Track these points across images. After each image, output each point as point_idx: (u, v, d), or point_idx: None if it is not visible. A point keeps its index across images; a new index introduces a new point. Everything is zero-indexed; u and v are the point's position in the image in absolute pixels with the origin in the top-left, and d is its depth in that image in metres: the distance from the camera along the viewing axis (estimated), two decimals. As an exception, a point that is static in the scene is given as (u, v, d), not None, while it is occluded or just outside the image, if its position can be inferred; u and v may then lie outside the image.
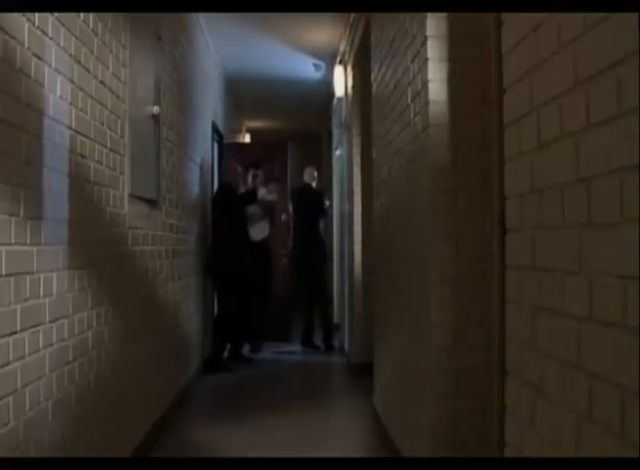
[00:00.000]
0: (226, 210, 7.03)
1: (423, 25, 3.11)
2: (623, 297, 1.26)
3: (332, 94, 8.20)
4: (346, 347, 7.45)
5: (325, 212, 8.42)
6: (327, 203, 8.48)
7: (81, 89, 2.94)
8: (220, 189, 7.39)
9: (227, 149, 8.72)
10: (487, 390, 2.84)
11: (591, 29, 1.41)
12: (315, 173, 8.42)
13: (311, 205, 8.19)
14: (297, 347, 8.16)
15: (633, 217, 1.23)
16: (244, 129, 12.14)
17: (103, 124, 3.24)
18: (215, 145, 8.25)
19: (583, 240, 1.45)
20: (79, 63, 2.91)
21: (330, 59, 7.83)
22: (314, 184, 8.36)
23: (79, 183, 2.94)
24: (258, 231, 7.61)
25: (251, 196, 7.26)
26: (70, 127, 2.81)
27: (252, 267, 7.23)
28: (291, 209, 8.58)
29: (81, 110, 2.94)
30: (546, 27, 1.64)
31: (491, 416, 2.81)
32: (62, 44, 2.70)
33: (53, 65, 2.61)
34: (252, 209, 7.41)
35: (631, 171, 1.24)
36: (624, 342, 1.26)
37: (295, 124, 12.12)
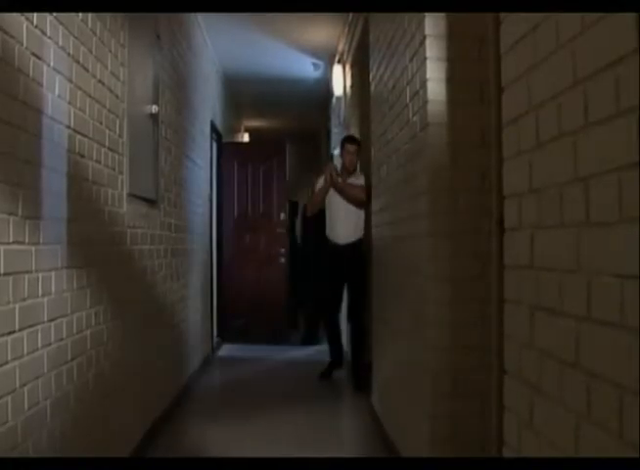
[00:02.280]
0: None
1: (421, 25, 3.11)
2: (622, 296, 1.27)
3: (330, 93, 8.20)
4: (345, 346, 7.45)
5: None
6: None
7: (80, 88, 2.93)
8: None
9: (226, 148, 8.73)
10: (486, 389, 2.85)
11: (590, 28, 1.41)
12: None
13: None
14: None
15: (632, 216, 1.23)
16: (242, 129, 12.14)
17: (101, 123, 3.24)
18: (214, 144, 8.25)
19: (582, 239, 1.45)
20: (78, 62, 2.91)
21: (328, 58, 7.83)
22: None
23: (78, 182, 2.93)
24: None
25: None
26: (69, 127, 2.81)
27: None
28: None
29: (80, 109, 2.94)
30: (545, 27, 1.64)
31: (490, 416, 2.82)
32: (60, 43, 2.70)
33: (51, 64, 2.61)
34: None
35: (630, 170, 1.24)
36: (623, 341, 1.26)
37: (293, 124, 12.11)
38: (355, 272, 6.11)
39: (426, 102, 3.06)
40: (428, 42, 3.06)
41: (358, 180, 6.06)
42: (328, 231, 6.32)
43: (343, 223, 6.15)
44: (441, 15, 3.04)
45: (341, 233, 6.19)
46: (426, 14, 3.06)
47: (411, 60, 3.36)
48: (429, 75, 3.05)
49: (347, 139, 6.22)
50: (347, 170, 6.13)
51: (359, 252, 6.11)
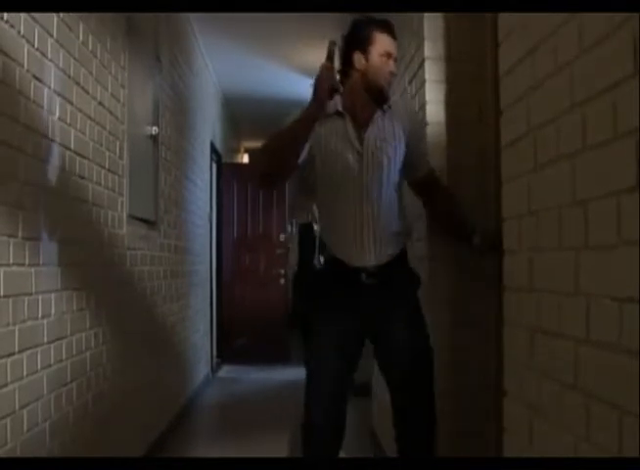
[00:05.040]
0: None
1: (421, 47, 3.12)
2: (620, 318, 1.27)
3: (330, 114, 8.22)
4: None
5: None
6: None
7: (80, 110, 2.95)
8: None
9: (225, 169, 8.75)
10: (486, 410, 2.83)
11: (588, 51, 1.42)
12: None
13: None
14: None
15: (630, 239, 1.24)
16: (242, 149, 12.17)
17: (101, 145, 3.25)
18: (214, 165, 8.27)
19: (580, 262, 1.45)
20: (78, 84, 2.93)
21: (328, 80, 7.85)
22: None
23: (78, 204, 2.94)
24: None
25: None
26: (69, 148, 2.82)
27: None
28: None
29: (80, 131, 2.95)
30: (543, 50, 1.66)
31: (490, 436, 2.80)
32: (61, 65, 2.72)
33: (52, 86, 2.63)
34: None
35: (628, 193, 1.24)
36: (622, 363, 1.26)
37: (293, 145, 12.10)
38: (405, 330, 2.70)
39: (425, 124, 3.07)
40: (427, 64, 3.07)
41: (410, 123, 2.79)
42: (330, 242, 2.70)
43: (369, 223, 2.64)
44: (441, 36, 3.05)
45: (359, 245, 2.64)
46: (425, 36, 3.06)
47: (410, 82, 3.38)
48: (428, 98, 3.06)
49: (379, 24, 2.69)
50: (379, 98, 2.72)
51: (409, 283, 2.78)
